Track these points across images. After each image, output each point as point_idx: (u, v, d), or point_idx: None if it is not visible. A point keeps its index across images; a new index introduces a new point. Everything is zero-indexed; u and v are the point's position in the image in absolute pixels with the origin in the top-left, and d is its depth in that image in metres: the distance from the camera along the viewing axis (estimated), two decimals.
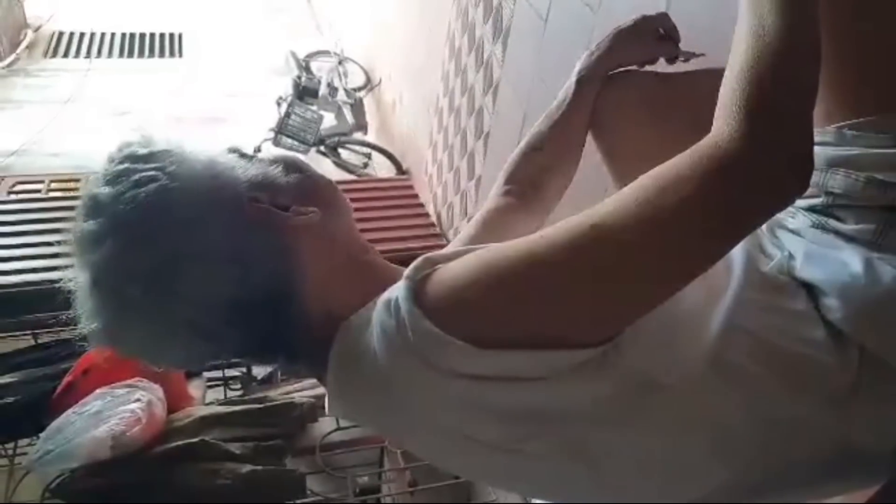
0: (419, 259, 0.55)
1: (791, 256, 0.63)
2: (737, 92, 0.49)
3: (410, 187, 3.80)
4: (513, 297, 0.51)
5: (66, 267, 0.61)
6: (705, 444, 0.56)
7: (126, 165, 0.60)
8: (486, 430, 0.54)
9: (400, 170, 4.13)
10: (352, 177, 4.38)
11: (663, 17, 0.85)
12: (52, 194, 3.74)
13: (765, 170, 0.46)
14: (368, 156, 4.54)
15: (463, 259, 0.54)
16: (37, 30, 6.17)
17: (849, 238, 0.60)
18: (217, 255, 0.59)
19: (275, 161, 0.69)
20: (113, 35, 6.28)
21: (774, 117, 0.47)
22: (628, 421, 0.54)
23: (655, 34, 0.85)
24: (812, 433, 0.57)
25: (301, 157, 4.15)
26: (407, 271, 0.55)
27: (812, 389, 0.56)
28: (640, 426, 0.55)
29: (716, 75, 0.81)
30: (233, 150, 0.68)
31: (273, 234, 0.62)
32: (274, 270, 0.61)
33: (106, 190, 0.59)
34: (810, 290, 0.61)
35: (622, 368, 0.53)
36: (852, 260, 0.58)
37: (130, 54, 6.13)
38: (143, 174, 0.59)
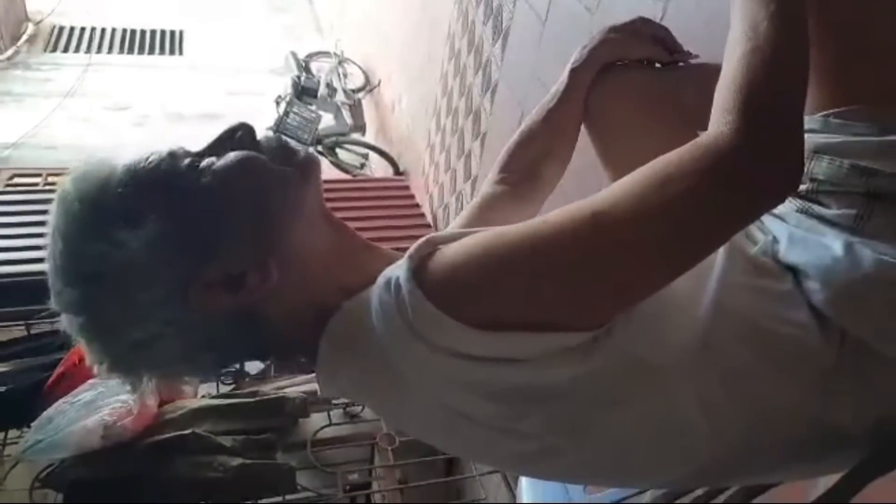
0: (421, 240, 0.56)
1: (775, 240, 0.65)
2: (735, 94, 0.51)
3: (406, 188, 3.80)
4: (513, 280, 0.52)
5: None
6: (692, 424, 0.57)
7: (74, 241, 0.57)
8: (482, 409, 0.55)
9: (397, 170, 4.13)
10: (348, 176, 4.39)
11: (661, 28, 0.86)
12: (49, 187, 3.75)
13: (762, 169, 0.48)
14: (365, 156, 4.54)
15: (465, 241, 0.55)
16: (38, 23, 6.17)
17: (831, 223, 0.61)
18: (180, 348, 0.60)
19: (240, 164, 0.59)
20: (114, 31, 6.28)
21: (771, 119, 0.49)
22: (617, 400, 0.56)
23: (650, 35, 0.85)
24: (795, 412, 0.58)
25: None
26: (409, 251, 0.55)
27: (795, 369, 0.58)
28: (629, 405, 0.56)
29: (706, 70, 0.82)
30: (178, 156, 0.60)
31: (232, 315, 0.59)
32: (246, 335, 0.61)
33: (59, 263, 0.57)
34: (795, 273, 0.62)
35: (613, 350, 0.54)
36: (834, 244, 0.59)
37: (131, 50, 6.13)
38: (87, 261, 0.56)
